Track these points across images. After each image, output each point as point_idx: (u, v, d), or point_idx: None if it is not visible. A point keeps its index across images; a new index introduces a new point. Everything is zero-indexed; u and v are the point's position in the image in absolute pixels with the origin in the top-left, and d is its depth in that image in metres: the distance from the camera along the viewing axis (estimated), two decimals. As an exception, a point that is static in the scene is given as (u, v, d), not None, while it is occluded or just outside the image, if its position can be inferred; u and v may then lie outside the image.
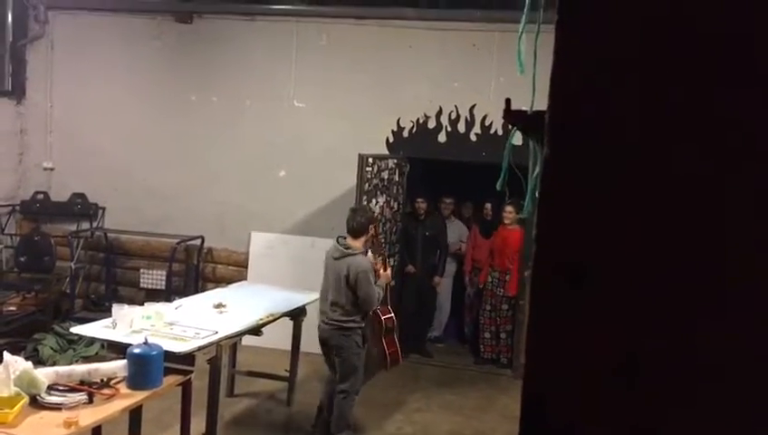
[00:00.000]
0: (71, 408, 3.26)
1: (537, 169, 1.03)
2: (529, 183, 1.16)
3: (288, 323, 5.40)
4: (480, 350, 6.81)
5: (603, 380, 0.94)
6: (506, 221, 6.43)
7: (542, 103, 1.03)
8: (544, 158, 0.81)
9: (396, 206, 6.43)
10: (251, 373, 5.74)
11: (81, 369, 3.56)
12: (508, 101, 1.08)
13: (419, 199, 6.65)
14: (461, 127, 6.44)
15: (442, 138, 6.50)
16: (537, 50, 1.11)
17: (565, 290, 0.87)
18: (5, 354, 3.35)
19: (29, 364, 3.37)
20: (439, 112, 6.48)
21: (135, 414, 4.12)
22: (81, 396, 3.34)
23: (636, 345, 0.92)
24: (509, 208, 6.41)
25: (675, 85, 0.85)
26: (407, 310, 6.63)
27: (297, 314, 5.37)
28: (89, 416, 3.24)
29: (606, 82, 0.86)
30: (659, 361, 0.92)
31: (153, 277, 7.10)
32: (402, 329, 6.71)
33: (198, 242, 7.10)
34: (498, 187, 1.19)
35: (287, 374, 5.59)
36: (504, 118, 1.10)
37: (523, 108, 1.05)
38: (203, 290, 6.55)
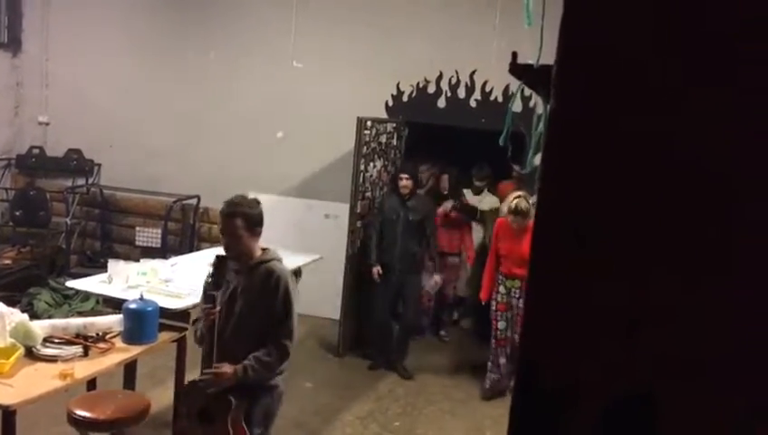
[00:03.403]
0: (66, 360, 3.29)
1: (541, 125, 1.03)
2: (533, 137, 1.15)
3: (283, 284, 5.42)
4: (491, 379, 5.22)
5: (602, 339, 0.94)
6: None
7: (548, 58, 1.02)
8: (550, 110, 0.80)
9: (393, 170, 6.41)
10: (245, 332, 5.77)
11: (76, 322, 3.58)
12: (515, 55, 1.07)
13: (404, 175, 5.46)
14: (461, 92, 6.39)
15: (441, 103, 6.45)
16: (545, 5, 1.10)
17: (567, 248, 0.87)
18: (1, 305, 3.37)
19: (25, 316, 3.39)
20: (439, 77, 6.42)
21: (130, 368, 4.16)
22: (77, 349, 3.37)
23: (637, 305, 0.92)
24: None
25: (689, 40, 0.84)
26: (379, 317, 5.58)
27: (293, 275, 5.38)
28: (84, 368, 3.27)
29: (616, 34, 0.85)
30: (660, 322, 0.92)
31: (148, 235, 7.10)
32: (369, 343, 5.69)
33: (194, 201, 7.09)
34: (501, 141, 1.18)
35: (281, 334, 5.62)
36: (510, 71, 1.09)
37: (530, 62, 1.04)
38: (198, 250, 6.56)
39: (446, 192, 6.14)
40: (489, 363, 5.20)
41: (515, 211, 4.82)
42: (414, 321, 5.71)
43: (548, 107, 0.86)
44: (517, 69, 1.07)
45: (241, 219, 3.07)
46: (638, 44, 0.84)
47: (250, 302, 3.09)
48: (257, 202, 3.21)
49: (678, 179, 0.82)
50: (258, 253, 3.18)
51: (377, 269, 5.46)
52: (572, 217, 0.85)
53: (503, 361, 5.13)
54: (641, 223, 0.87)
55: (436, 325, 6.53)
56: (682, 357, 0.92)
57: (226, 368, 3.05)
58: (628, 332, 0.92)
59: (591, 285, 0.92)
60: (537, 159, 1.15)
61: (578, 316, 0.94)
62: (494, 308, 5.11)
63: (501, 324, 5.10)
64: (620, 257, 0.90)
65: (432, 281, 5.67)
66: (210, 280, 3.11)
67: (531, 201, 4.75)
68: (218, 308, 3.06)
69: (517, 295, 5.00)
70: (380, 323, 5.59)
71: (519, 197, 4.86)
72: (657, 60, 0.79)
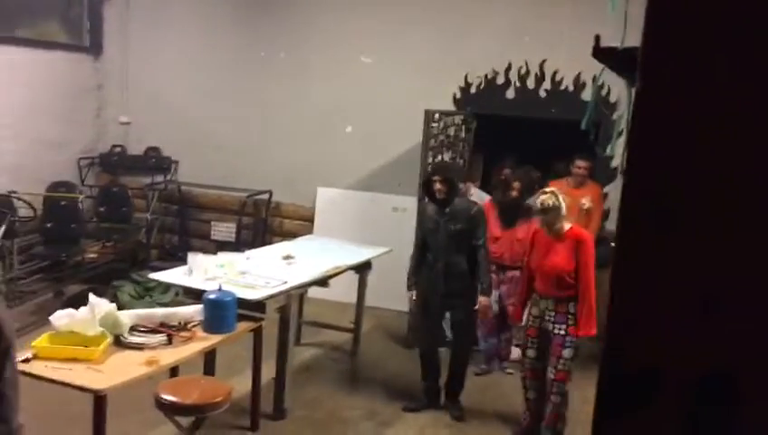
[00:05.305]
0: (152, 348, 3.45)
1: (623, 106, 1.02)
2: (615, 122, 1.14)
3: (353, 277, 5.50)
4: (524, 419, 4.44)
5: (684, 321, 0.94)
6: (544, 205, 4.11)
7: (631, 41, 1.01)
8: (636, 92, 0.80)
9: (462, 163, 6.39)
10: (317, 324, 5.90)
11: (160, 312, 3.75)
12: (597, 38, 1.07)
13: (436, 178, 4.52)
14: (530, 83, 6.31)
15: (510, 94, 6.39)
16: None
17: (652, 228, 0.87)
18: (91, 296, 3.55)
19: (113, 306, 3.57)
20: (508, 68, 6.35)
21: (209, 357, 4.32)
22: (162, 337, 3.53)
23: (718, 287, 0.91)
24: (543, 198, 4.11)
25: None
26: (423, 349, 4.77)
27: (363, 268, 5.46)
28: (168, 356, 3.43)
29: (703, 14, 0.84)
30: (740, 303, 0.91)
31: (223, 230, 7.33)
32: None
33: (266, 196, 7.27)
34: (583, 125, 1.17)
35: (352, 326, 5.72)
36: (593, 55, 1.08)
37: (613, 45, 1.04)
38: (270, 243, 6.73)
39: (515, 194, 5.13)
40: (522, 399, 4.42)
41: (540, 209, 4.10)
42: (467, 353, 4.78)
43: (633, 90, 0.86)
44: (600, 52, 1.07)
45: None
46: (726, 23, 0.83)
47: None
48: None
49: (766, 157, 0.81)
50: None
51: (410, 295, 4.77)
52: (658, 198, 0.85)
53: (532, 395, 4.33)
54: (725, 203, 0.86)
55: (499, 355, 5.51)
56: (762, 335, 0.90)
57: None
58: (709, 314, 0.92)
59: (674, 267, 0.92)
60: (618, 144, 1.15)
61: (660, 298, 0.94)
62: (524, 332, 4.40)
63: (530, 353, 4.28)
64: (701, 240, 0.89)
65: (479, 303, 4.57)
66: None
67: (561, 198, 4.08)
68: None
69: (552, 319, 4.14)
70: (424, 355, 4.75)
71: (546, 193, 4.13)
72: (748, 37, 0.78)
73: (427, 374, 4.76)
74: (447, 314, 4.77)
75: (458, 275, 4.51)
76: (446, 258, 4.51)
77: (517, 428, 4.51)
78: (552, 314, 4.13)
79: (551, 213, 4.04)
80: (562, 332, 4.09)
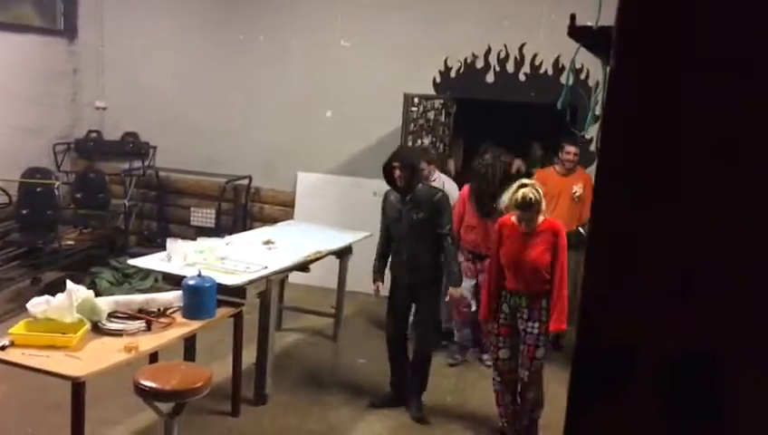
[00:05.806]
0: (131, 334, 3.43)
1: (599, 90, 1.02)
2: (591, 103, 1.14)
3: (334, 262, 5.49)
4: (502, 423, 4.22)
5: (659, 299, 0.95)
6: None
7: (607, 20, 1.01)
8: (610, 71, 0.80)
9: (441, 147, 6.39)
10: (298, 309, 5.90)
11: (139, 298, 3.72)
12: (573, 17, 1.07)
13: (395, 163, 4.31)
14: (510, 67, 6.31)
15: (490, 78, 6.39)
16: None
17: (628, 205, 0.87)
18: (68, 283, 3.51)
19: (90, 292, 3.54)
20: (488, 52, 6.35)
21: (189, 343, 4.30)
22: (140, 324, 3.50)
23: (694, 264, 0.92)
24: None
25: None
26: (389, 340, 4.61)
27: (344, 253, 5.46)
28: (147, 342, 3.41)
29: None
30: (717, 279, 0.92)
31: (203, 215, 7.28)
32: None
33: (246, 182, 7.22)
34: (559, 105, 1.17)
35: (333, 311, 5.73)
36: (569, 34, 1.08)
37: (588, 23, 1.04)
38: (251, 228, 6.69)
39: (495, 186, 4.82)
40: (496, 407, 4.23)
41: (522, 204, 3.74)
42: (428, 347, 4.55)
43: (607, 68, 0.86)
44: (576, 31, 1.07)
45: None
46: (698, 6, 0.83)
47: None
48: None
49: (740, 135, 0.81)
50: None
51: (375, 286, 4.58)
52: (632, 175, 0.85)
53: (508, 398, 4.13)
54: (700, 180, 0.87)
55: (477, 345, 5.39)
56: (740, 313, 0.91)
57: None
58: (684, 288, 0.93)
59: (650, 244, 0.92)
60: (595, 127, 1.15)
61: (636, 275, 0.94)
62: (495, 332, 4.08)
63: (503, 353, 4.04)
64: (676, 216, 0.90)
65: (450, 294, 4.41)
66: None
67: (541, 192, 3.82)
68: None
69: (525, 317, 3.94)
70: (390, 348, 4.63)
71: (525, 186, 3.79)
72: (720, 15, 0.79)
73: (394, 366, 4.64)
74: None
75: (421, 266, 4.32)
76: (409, 249, 4.34)
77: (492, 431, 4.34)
78: (526, 310, 3.94)
79: (532, 208, 3.76)
80: (535, 330, 3.92)
